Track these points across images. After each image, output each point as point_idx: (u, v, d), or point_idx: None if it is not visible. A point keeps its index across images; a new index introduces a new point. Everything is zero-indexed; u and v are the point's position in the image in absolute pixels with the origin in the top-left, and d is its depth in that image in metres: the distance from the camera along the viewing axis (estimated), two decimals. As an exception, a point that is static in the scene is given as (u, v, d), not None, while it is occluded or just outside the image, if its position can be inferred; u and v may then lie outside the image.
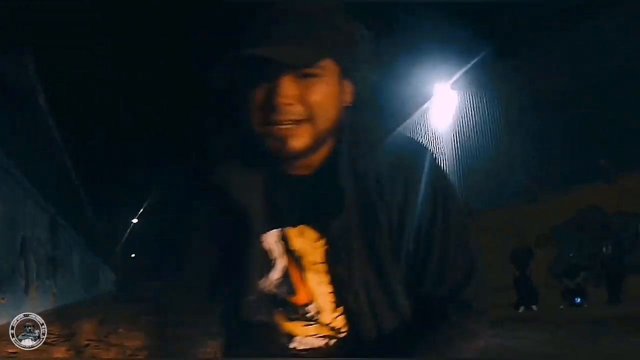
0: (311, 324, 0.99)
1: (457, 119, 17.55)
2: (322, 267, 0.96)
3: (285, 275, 0.98)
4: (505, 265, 10.13)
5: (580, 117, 10.58)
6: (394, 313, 0.97)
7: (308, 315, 0.99)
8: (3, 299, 7.45)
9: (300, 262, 0.97)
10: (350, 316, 0.97)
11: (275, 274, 0.98)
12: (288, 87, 0.83)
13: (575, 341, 6.08)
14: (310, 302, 0.98)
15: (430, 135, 19.69)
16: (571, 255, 9.46)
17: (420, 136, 19.76)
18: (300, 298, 0.98)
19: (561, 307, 9.16)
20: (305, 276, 0.97)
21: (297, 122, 0.85)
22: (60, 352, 5.95)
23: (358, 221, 0.93)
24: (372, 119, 0.99)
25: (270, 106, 0.84)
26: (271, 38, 0.81)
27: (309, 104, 0.85)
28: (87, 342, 6.96)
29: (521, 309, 9.59)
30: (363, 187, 0.92)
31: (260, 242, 0.96)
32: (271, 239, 0.97)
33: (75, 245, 17.22)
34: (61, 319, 9.88)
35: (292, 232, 0.96)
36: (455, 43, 13.78)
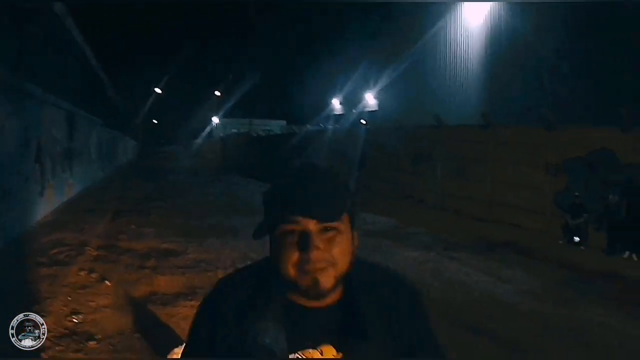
0: None
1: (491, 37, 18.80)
2: None
3: None
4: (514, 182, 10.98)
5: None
6: None
7: None
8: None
9: None
10: None
11: None
12: (317, 240, 1.02)
13: (557, 292, 6.23)
14: None
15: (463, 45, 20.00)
16: (577, 194, 9.25)
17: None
18: None
19: (560, 242, 9.21)
20: None
21: (323, 268, 1.03)
22: (73, 273, 6.33)
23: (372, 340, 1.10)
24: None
25: (305, 255, 1.02)
26: (305, 205, 1.02)
27: (332, 253, 1.04)
28: (96, 253, 7.40)
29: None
30: (372, 317, 1.11)
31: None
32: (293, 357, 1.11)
33: (92, 129, 17.22)
34: (73, 222, 9.52)
35: (313, 352, 1.11)
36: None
